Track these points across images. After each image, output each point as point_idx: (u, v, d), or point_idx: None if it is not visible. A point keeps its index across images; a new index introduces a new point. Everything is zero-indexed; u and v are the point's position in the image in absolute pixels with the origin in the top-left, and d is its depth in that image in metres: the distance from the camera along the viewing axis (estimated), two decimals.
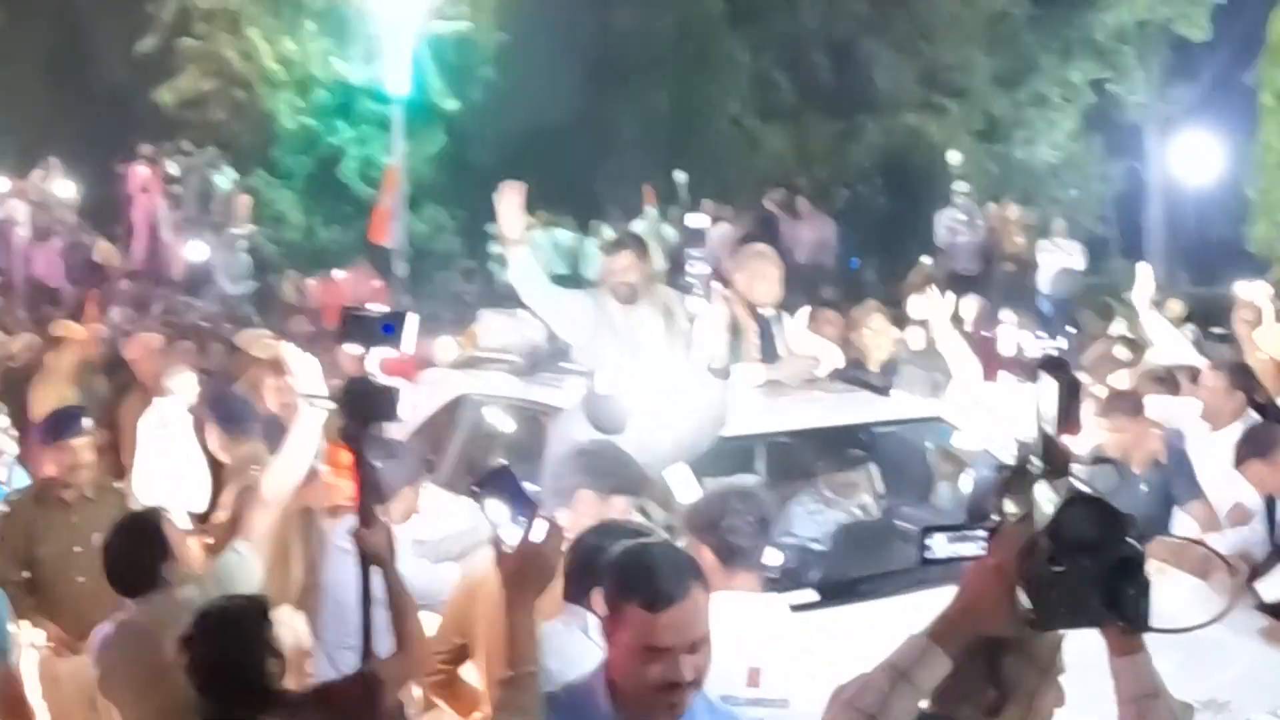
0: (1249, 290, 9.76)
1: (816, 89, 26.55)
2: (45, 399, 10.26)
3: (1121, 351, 10.82)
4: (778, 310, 8.03)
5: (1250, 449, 7.18)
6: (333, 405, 5.06)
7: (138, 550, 5.37)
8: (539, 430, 7.39)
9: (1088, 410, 7.78)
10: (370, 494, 4.80)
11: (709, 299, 7.07)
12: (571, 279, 18.71)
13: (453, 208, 23.45)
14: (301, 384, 5.31)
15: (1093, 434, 7.73)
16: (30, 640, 6.99)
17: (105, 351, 11.91)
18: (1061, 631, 2.98)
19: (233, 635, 4.47)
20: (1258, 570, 6.72)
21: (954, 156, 21.64)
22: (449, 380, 8.86)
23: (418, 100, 21.87)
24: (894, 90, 26.12)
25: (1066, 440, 2.88)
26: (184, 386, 9.45)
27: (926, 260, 19.78)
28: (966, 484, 7.56)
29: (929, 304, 8.71)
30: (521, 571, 3.48)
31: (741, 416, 6.56)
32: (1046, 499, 2.79)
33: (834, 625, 5.60)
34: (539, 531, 3.47)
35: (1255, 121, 20.17)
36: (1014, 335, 8.38)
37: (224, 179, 21.84)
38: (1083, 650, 3.03)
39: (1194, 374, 8.61)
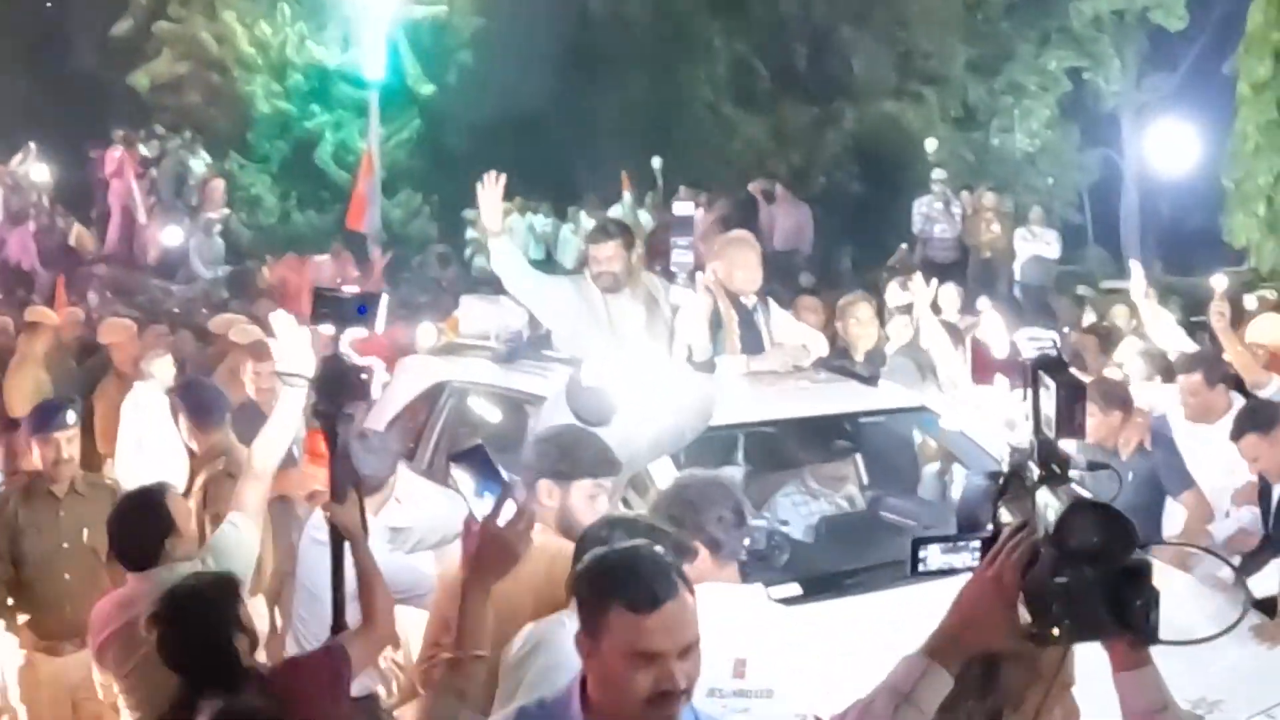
0: (1223, 283, 9.78)
1: (794, 76, 26.52)
2: (19, 385, 10.21)
3: (1092, 341, 10.85)
4: (760, 298, 7.90)
5: (1249, 423, 7.18)
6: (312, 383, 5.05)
7: (142, 525, 5.42)
8: (522, 419, 7.34)
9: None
10: (343, 471, 4.84)
11: (694, 288, 7.03)
12: (547, 264, 18.71)
13: (428, 192, 23.39)
14: (290, 360, 5.27)
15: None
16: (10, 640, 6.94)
17: (80, 336, 11.84)
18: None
19: (199, 613, 4.51)
20: (1247, 565, 6.71)
21: (931, 144, 21.66)
22: (429, 367, 8.79)
23: (394, 85, 21.85)
24: (871, 77, 26.11)
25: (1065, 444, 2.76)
26: (161, 371, 9.39)
27: (903, 248, 19.81)
28: (957, 486, 7.46)
29: (914, 292, 8.67)
30: (482, 552, 3.39)
31: (724, 406, 6.48)
32: (1047, 506, 2.65)
33: (820, 618, 5.57)
34: (505, 513, 3.39)
35: (1232, 111, 20.20)
36: (1002, 332, 8.26)
37: (199, 163, 21.74)
38: (1091, 660, 2.88)
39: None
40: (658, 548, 3.46)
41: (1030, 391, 2.86)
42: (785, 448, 7.45)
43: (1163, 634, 2.61)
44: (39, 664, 6.86)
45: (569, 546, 4.47)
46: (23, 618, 6.94)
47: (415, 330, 10.79)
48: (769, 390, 7.31)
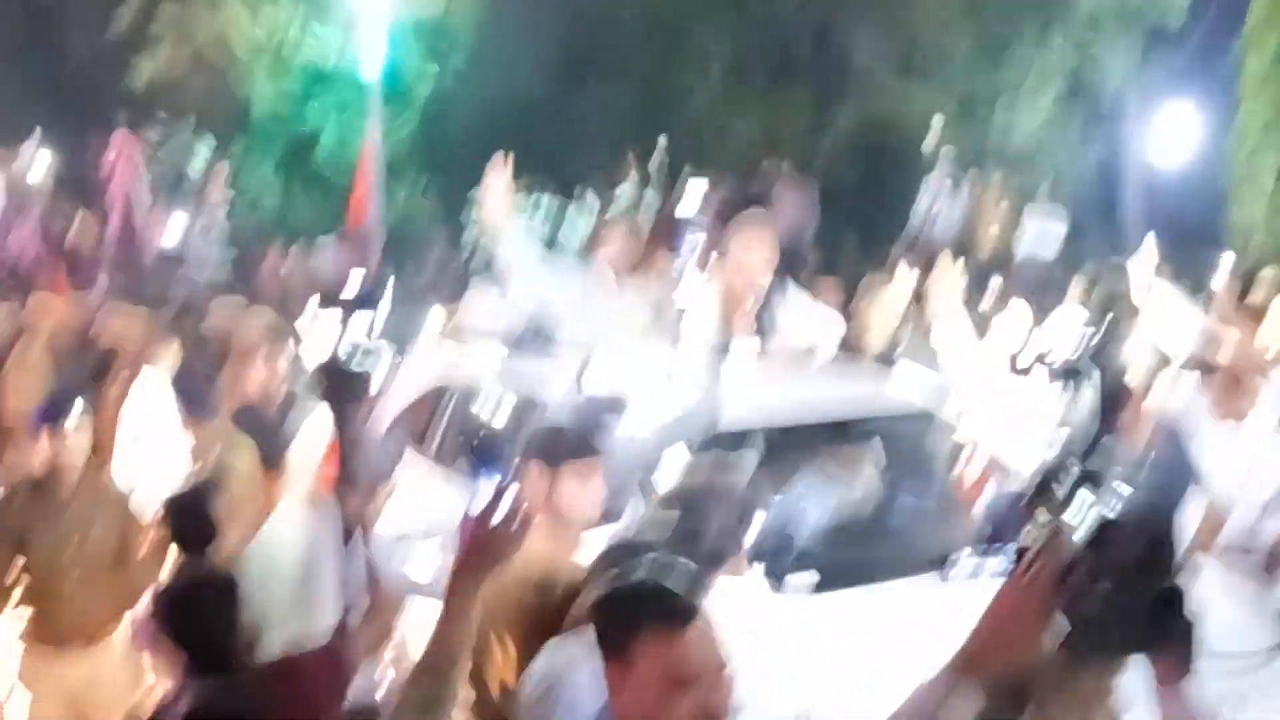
0: (1227, 270, 9.66)
1: (796, 60, 26.45)
2: (21, 376, 10.13)
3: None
4: (777, 279, 7.65)
5: None
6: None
7: (202, 509, 5.72)
8: (532, 405, 7.28)
9: None
10: (350, 463, 4.86)
11: (706, 270, 6.94)
12: (553, 246, 18.63)
13: (428, 186, 23.34)
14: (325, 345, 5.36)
15: None
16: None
17: (83, 325, 11.75)
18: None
19: (195, 611, 4.60)
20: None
21: (937, 120, 21.56)
22: (440, 352, 8.75)
23: (393, 81, 21.77)
24: (873, 63, 26.05)
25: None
26: (169, 358, 9.34)
27: (911, 227, 19.73)
28: (990, 489, 7.26)
29: (941, 275, 8.45)
30: (472, 547, 3.24)
31: (738, 400, 6.39)
32: (1086, 511, 2.53)
33: (838, 608, 5.54)
34: (500, 508, 3.26)
35: (1233, 99, 20.18)
36: (1028, 322, 8.06)
37: (201, 151, 21.69)
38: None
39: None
40: (680, 560, 3.38)
41: (1070, 388, 2.74)
42: (802, 432, 7.19)
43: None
44: (43, 664, 6.79)
45: (564, 562, 4.45)
46: (26, 615, 6.86)
47: (425, 314, 10.73)
48: (783, 388, 7.13)
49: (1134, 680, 2.73)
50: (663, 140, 20.98)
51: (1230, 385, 7.64)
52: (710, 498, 4.66)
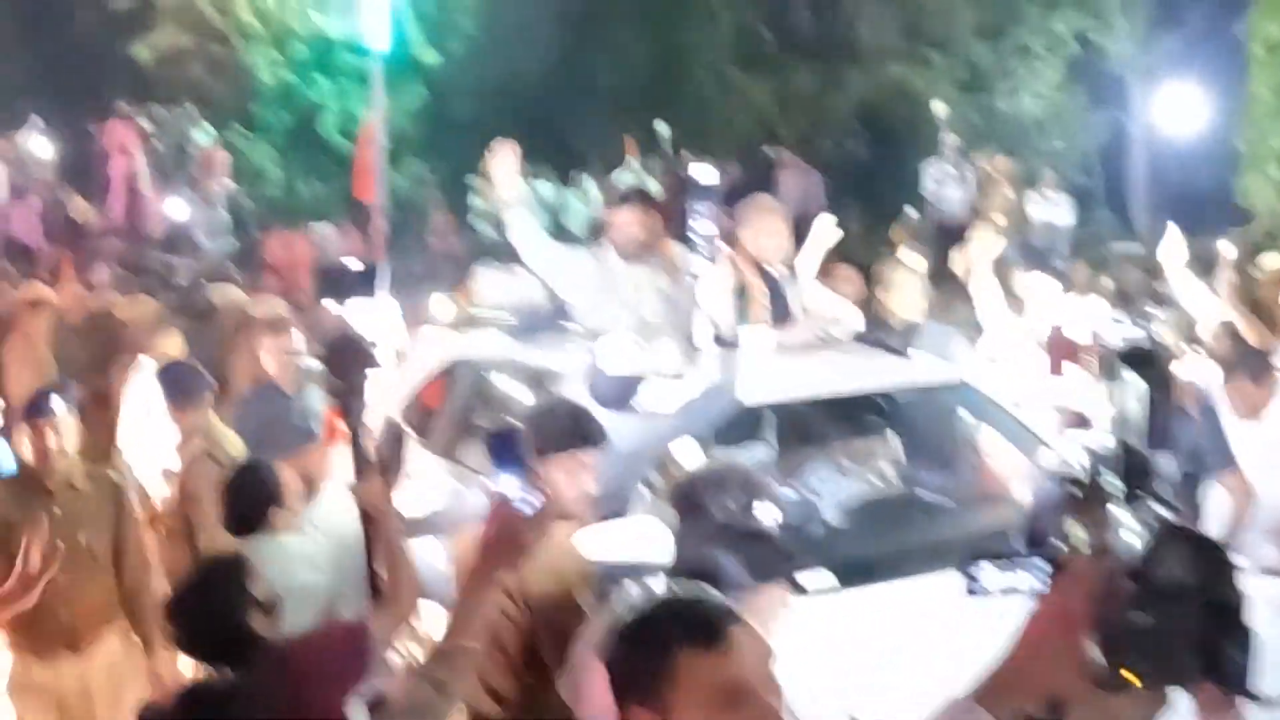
0: (1231, 250, 9.54)
1: (799, 39, 26.33)
2: (20, 365, 10.02)
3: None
4: (789, 267, 7.63)
5: None
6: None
7: (252, 492, 5.73)
8: (541, 394, 7.18)
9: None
10: (361, 449, 4.79)
11: (714, 258, 6.84)
12: (553, 232, 18.55)
13: (433, 161, 23.24)
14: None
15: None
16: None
17: (90, 314, 11.64)
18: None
19: (205, 601, 4.49)
20: None
21: (939, 107, 21.45)
22: (445, 341, 8.63)
23: (397, 54, 21.61)
24: (877, 41, 25.92)
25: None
26: (172, 346, 9.24)
27: (912, 212, 19.65)
28: (1023, 493, 7.07)
29: (978, 245, 8.33)
30: (495, 539, 3.18)
31: (751, 384, 6.29)
32: (1128, 526, 2.29)
33: (853, 607, 5.43)
34: (524, 503, 3.17)
35: (1243, 72, 20.05)
36: (1056, 296, 7.93)
37: (201, 134, 21.59)
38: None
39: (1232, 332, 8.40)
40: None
41: (1113, 388, 2.48)
42: (816, 423, 7.19)
43: None
44: (30, 671, 6.39)
45: (570, 546, 4.37)
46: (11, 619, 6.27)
47: (429, 301, 10.63)
48: (797, 365, 7.04)
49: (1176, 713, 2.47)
50: (663, 126, 20.87)
51: (1247, 384, 7.59)
52: (722, 478, 4.49)
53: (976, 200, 19.05)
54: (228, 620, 4.42)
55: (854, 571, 5.83)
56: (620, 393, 5.82)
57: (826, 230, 8.08)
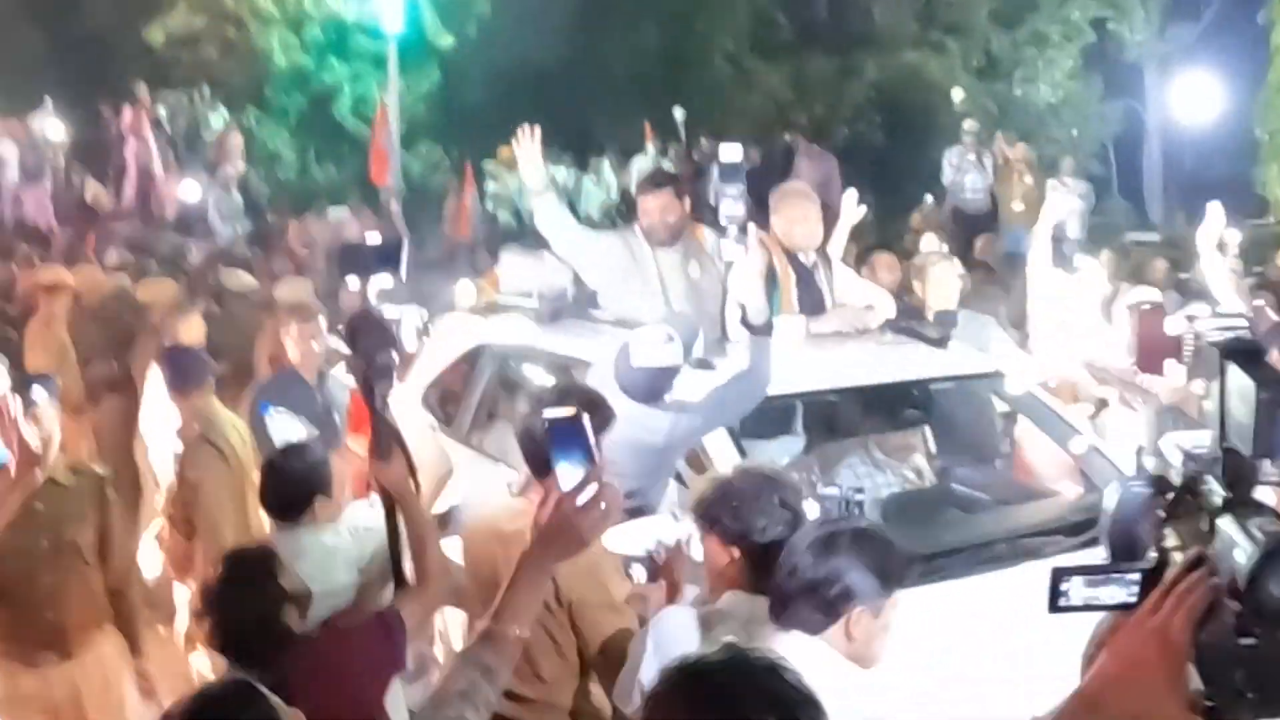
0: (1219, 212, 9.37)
1: (815, 26, 26.24)
2: (40, 349, 9.91)
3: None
4: (820, 255, 7.50)
5: None
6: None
7: (298, 477, 5.52)
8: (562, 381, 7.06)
9: None
10: (385, 430, 4.68)
11: (744, 244, 6.72)
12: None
13: (448, 145, 23.17)
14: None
15: None
16: None
17: (108, 297, 11.54)
18: None
19: (236, 600, 4.48)
20: None
21: (957, 94, 21.36)
22: (469, 327, 8.51)
23: (412, 37, 21.60)
24: (893, 27, 25.85)
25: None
26: (193, 330, 9.14)
27: (928, 199, 19.58)
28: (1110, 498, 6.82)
29: (1052, 203, 8.16)
30: (551, 528, 2.99)
31: (782, 374, 6.17)
32: (1234, 542, 2.06)
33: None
34: (585, 493, 3.07)
35: (1261, 62, 19.97)
36: (1105, 285, 7.73)
37: (216, 118, 21.51)
38: None
39: None
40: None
41: (1217, 387, 2.24)
42: (848, 416, 7.06)
43: None
44: (19, 682, 5.99)
45: (600, 544, 4.30)
46: None
47: (449, 286, 10.53)
48: (830, 355, 6.92)
49: None
50: (680, 112, 20.75)
51: None
52: (754, 487, 4.25)
53: (995, 187, 18.92)
54: (262, 617, 4.41)
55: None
56: (653, 385, 5.69)
57: (851, 208, 8.17)
